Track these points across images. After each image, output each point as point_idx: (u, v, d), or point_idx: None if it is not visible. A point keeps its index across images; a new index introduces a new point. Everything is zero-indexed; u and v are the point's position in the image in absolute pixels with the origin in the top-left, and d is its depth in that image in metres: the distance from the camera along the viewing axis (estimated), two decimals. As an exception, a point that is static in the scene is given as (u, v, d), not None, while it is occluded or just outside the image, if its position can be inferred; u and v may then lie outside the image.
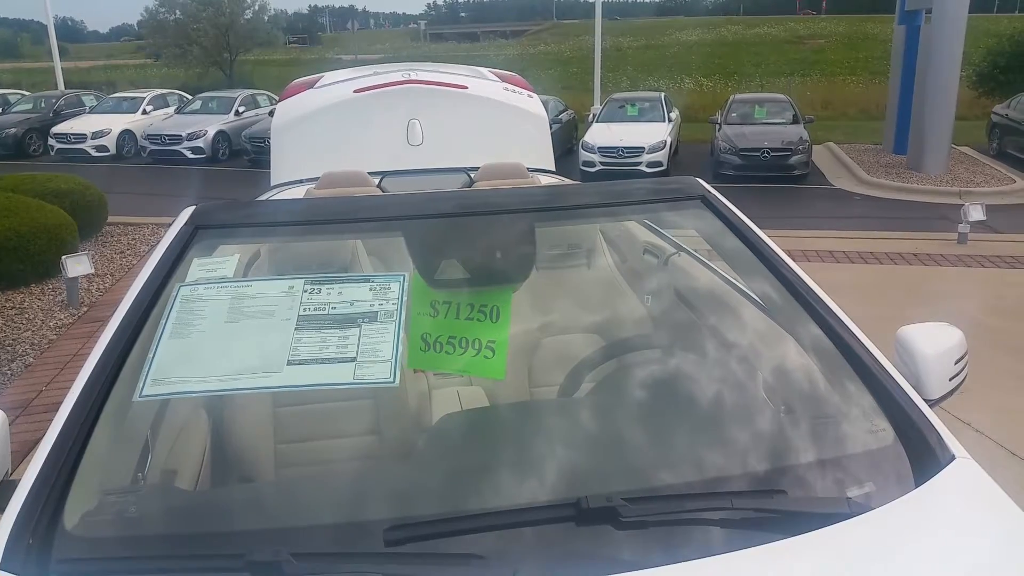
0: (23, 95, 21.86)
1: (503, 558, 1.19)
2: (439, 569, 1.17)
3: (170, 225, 1.92)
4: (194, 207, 1.94)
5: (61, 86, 22.63)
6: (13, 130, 17.75)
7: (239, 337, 1.48)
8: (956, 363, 1.74)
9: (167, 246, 1.80)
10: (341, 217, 1.98)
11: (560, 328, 2.53)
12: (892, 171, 13.19)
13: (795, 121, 14.35)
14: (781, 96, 16.19)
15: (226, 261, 1.68)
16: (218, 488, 1.95)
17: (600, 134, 14.09)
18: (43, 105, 19.52)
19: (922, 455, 1.40)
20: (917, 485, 1.35)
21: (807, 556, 1.20)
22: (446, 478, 1.44)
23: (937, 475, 1.36)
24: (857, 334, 1.64)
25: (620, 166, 13.33)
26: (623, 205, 2.13)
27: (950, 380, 1.72)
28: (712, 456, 1.43)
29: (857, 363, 1.58)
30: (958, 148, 14.48)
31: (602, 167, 13.44)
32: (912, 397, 1.52)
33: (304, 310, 1.53)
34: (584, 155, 13.72)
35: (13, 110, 19.54)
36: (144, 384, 1.40)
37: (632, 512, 1.23)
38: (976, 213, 7.90)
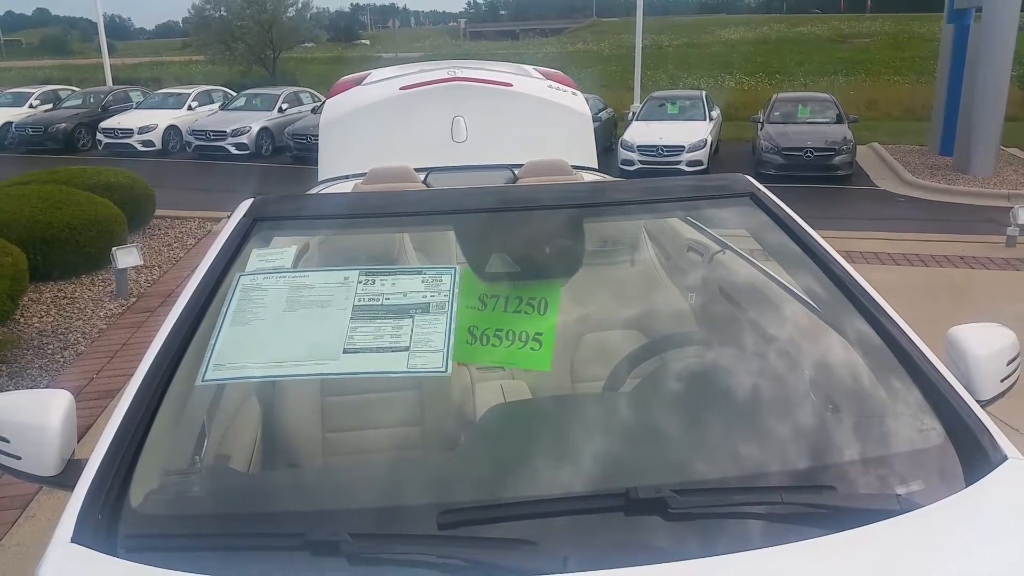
0: (73, 91, 22.41)
1: (553, 544, 1.21)
2: (491, 553, 1.20)
3: (228, 217, 1.97)
4: (252, 200, 1.99)
5: (109, 82, 23.16)
6: (63, 125, 18.19)
7: (297, 325, 1.52)
8: (1008, 364, 1.71)
9: (227, 237, 1.85)
10: (392, 211, 2.02)
11: (603, 324, 2.54)
12: (938, 173, 12.94)
13: (839, 121, 14.13)
14: (825, 95, 15.92)
15: (283, 252, 1.73)
16: (272, 471, 2.00)
17: (640, 132, 13.95)
18: (92, 101, 20.02)
19: (973, 454, 1.39)
20: (968, 484, 1.34)
21: (856, 551, 1.21)
22: (495, 467, 1.46)
23: (988, 475, 1.35)
24: (909, 334, 1.63)
25: (659, 165, 13.19)
26: (669, 202, 2.13)
27: (1001, 381, 1.70)
28: (760, 451, 1.43)
29: (908, 362, 1.57)
30: (1006, 150, 14.12)
31: (641, 166, 13.30)
32: (963, 396, 1.51)
33: (359, 300, 1.57)
34: (623, 154, 13.59)
35: (63, 105, 20.05)
36: (207, 369, 1.44)
37: (681, 503, 1.25)
38: (1026, 216, 7.72)
